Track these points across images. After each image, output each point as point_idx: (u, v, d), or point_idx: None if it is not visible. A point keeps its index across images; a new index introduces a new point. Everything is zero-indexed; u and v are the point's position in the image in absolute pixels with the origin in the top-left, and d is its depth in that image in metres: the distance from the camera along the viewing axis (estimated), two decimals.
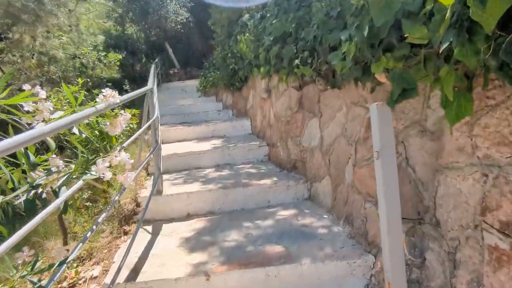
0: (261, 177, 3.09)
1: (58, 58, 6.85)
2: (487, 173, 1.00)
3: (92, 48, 6.13)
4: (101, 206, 3.18)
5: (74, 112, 1.56)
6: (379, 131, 1.24)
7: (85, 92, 6.41)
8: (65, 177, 1.30)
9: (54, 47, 6.66)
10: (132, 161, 1.49)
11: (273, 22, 3.20)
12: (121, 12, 11.25)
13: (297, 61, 2.73)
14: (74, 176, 1.34)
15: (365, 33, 1.29)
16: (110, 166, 1.41)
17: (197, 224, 2.46)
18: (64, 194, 1.23)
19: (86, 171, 1.34)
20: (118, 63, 6.92)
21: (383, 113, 1.24)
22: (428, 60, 1.03)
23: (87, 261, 2.25)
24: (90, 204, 3.17)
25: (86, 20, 6.17)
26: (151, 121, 2.38)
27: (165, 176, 3.44)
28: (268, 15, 3.75)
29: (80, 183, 1.30)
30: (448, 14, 0.77)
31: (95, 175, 1.28)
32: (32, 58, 6.67)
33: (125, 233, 2.39)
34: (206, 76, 8.01)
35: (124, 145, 1.76)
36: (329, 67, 2.37)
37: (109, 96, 1.65)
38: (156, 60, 8.99)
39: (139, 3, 10.95)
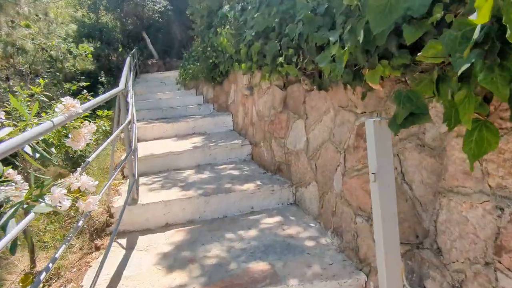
0: (244, 180, 2.94)
1: (27, 48, 6.38)
2: (503, 207, 0.88)
3: (61, 40, 5.71)
4: (72, 213, 2.95)
5: (26, 127, 1.35)
6: (376, 151, 1.11)
7: (54, 87, 6.01)
8: (13, 208, 1.10)
9: (21, 37, 6.19)
10: (97, 182, 1.30)
11: (255, 15, 3.00)
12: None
13: (281, 59, 2.56)
14: (25, 206, 1.14)
15: (360, 38, 1.14)
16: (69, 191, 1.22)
17: (176, 236, 2.29)
18: (11, 232, 1.03)
19: (40, 199, 1.15)
20: (90, 55, 6.50)
21: (381, 131, 1.11)
22: (443, 81, 0.89)
23: (54, 281, 2.05)
24: None
25: (55, 8, 5.72)
26: (122, 126, 2.16)
27: (142, 179, 3.23)
28: (250, 7, 3.54)
29: (30, 216, 1.10)
30: (475, 35, 0.62)
31: (49, 206, 1.09)
32: None
33: (97, 248, 2.19)
34: (186, 68, 7.70)
35: (89, 160, 1.56)
36: (315, 67, 2.22)
37: (70, 106, 1.44)
38: (133, 51, 8.56)
39: None
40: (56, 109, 1.42)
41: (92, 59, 8.71)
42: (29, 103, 2.70)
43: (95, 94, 8.06)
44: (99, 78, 8.22)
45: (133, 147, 2.46)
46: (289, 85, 2.75)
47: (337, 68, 1.72)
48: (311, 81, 2.40)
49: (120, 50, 11.22)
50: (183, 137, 4.52)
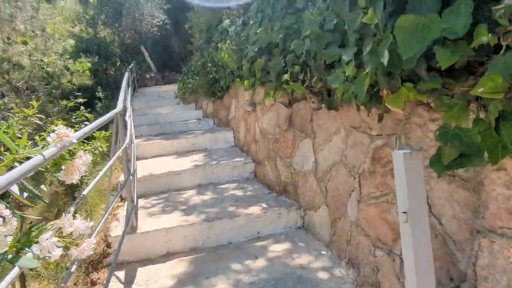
0: (249, 202, 2.79)
1: (23, 64, 6.28)
2: None
3: (57, 57, 5.62)
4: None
5: (14, 161, 1.23)
6: (407, 187, 0.98)
7: (50, 104, 5.90)
8: None
9: (18, 53, 6.10)
10: (92, 224, 1.16)
11: (258, 31, 2.91)
12: (92, 14, 10.62)
13: (286, 76, 2.46)
14: (9, 256, 1.00)
15: (384, 61, 1.03)
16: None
17: (178, 267, 2.14)
18: None
19: (27, 248, 1.01)
20: (87, 71, 6.41)
21: (412, 164, 0.98)
22: (505, 119, 0.77)
23: None
24: None
25: (52, 25, 5.65)
26: (120, 150, 2.03)
27: (141, 202, 3.09)
28: (251, 22, 3.46)
29: (15, 271, 0.96)
30: None
31: (36, 259, 0.95)
32: None
33: (93, 284, 2.03)
34: (185, 82, 7.61)
35: (84, 193, 1.42)
36: (324, 85, 2.11)
37: (63, 136, 1.31)
38: (131, 65, 8.48)
39: (112, 5, 10.36)
40: (48, 139, 1.29)
41: (89, 74, 8.63)
42: (21, 127, 2.57)
43: (93, 110, 7.94)
44: (97, 93, 8.12)
45: (131, 171, 2.32)
46: (295, 103, 2.64)
47: (351, 88, 1.61)
48: (318, 99, 2.29)
49: (118, 64, 11.16)
50: (183, 154, 4.39)
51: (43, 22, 5.12)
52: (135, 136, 5.35)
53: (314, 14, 2.29)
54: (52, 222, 1.13)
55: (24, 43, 6.17)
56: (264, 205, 2.69)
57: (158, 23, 11.22)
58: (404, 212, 1.00)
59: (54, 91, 5.64)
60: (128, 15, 10.52)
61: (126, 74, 5.33)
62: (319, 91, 2.24)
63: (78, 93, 6.04)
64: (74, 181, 1.31)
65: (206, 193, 3.19)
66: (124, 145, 2.15)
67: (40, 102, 5.25)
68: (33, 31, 5.26)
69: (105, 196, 3.42)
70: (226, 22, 4.32)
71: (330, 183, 2.15)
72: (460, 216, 1.13)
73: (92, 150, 3.13)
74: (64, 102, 5.38)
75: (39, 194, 1.25)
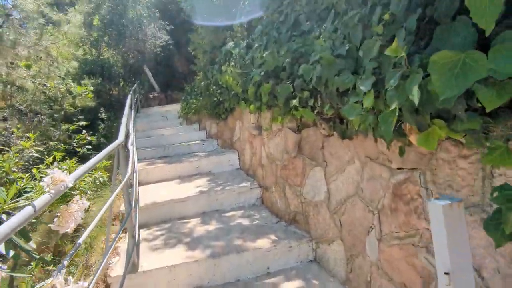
0: (257, 233, 2.64)
1: (27, 87, 6.27)
2: None
3: (60, 80, 5.60)
4: None
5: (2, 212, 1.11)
6: (448, 244, 0.85)
7: (52, 128, 5.84)
8: None
9: (21, 77, 6.10)
10: (86, 284, 1.03)
11: (264, 54, 2.84)
12: (96, 37, 10.75)
13: (294, 102, 2.36)
14: None
15: (415, 99, 0.92)
16: None
17: None
18: None
19: None
20: (89, 95, 6.38)
21: (453, 218, 0.85)
22: None
23: None
24: None
25: (55, 49, 5.66)
26: (121, 185, 1.91)
27: (143, 233, 2.94)
28: (256, 45, 3.41)
29: None
30: None
31: None
32: None
33: None
34: (188, 102, 7.57)
35: (80, 241, 1.29)
36: (336, 112, 2.00)
37: (58, 180, 1.20)
38: (134, 86, 8.47)
39: (116, 27, 10.49)
40: (42, 183, 1.18)
41: (92, 96, 8.64)
42: (17, 160, 2.47)
43: (95, 132, 7.89)
44: (100, 114, 8.08)
45: (133, 204, 2.19)
46: (304, 128, 2.53)
47: (368, 119, 1.49)
48: (330, 125, 2.18)
49: (121, 84, 11.22)
50: (187, 178, 4.26)
51: (46, 48, 5.12)
52: (138, 159, 5.25)
53: (322, 37, 2.21)
54: (41, 284, 1.01)
55: (28, 67, 6.18)
56: (273, 236, 2.54)
57: (161, 43, 11.33)
58: (446, 273, 0.86)
59: (55, 115, 5.59)
60: (131, 36, 10.63)
61: (129, 97, 5.29)
62: (331, 118, 2.13)
63: (81, 116, 5.99)
64: (69, 230, 1.18)
65: (211, 223, 3.04)
66: (125, 179, 2.03)
67: (41, 127, 5.19)
68: (36, 56, 5.26)
69: (106, 226, 3.28)
70: (230, 44, 4.28)
71: (345, 216, 2.00)
72: (507, 271, 0.99)
73: (93, 180, 3.02)
74: (66, 125, 5.31)
75: (29, 249, 1.12)
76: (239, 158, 4.58)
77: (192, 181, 4.10)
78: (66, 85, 5.64)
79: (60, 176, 1.17)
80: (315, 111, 2.17)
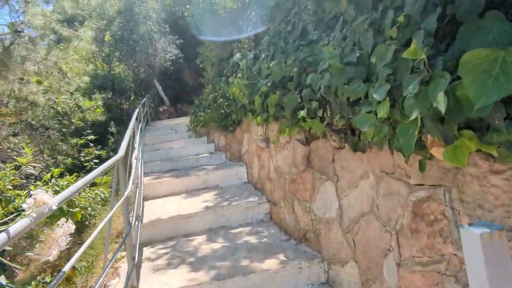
0: (265, 252, 2.49)
1: (39, 102, 6.34)
2: None
3: (68, 95, 5.64)
4: None
5: None
6: (490, 281, 0.70)
7: (61, 142, 5.85)
8: None
9: (33, 92, 6.18)
10: None
11: (270, 65, 2.74)
12: (108, 52, 10.95)
13: (302, 113, 2.23)
14: None
15: (441, 108, 0.79)
16: None
17: None
18: None
19: None
20: (97, 109, 6.41)
21: (495, 248, 0.70)
22: None
23: None
24: None
25: (65, 64, 5.73)
26: (120, 202, 1.80)
27: (146, 251, 2.82)
28: (263, 55, 3.33)
29: None
30: None
31: None
32: (7, 106, 6.15)
33: None
34: (197, 115, 7.54)
35: (65, 269, 1.17)
36: (347, 123, 1.87)
37: (41, 203, 1.10)
38: (144, 100, 8.52)
39: (127, 42, 10.67)
40: (24, 206, 1.08)
41: (103, 110, 8.71)
42: (12, 177, 2.41)
43: (105, 145, 7.92)
44: (109, 128, 8.12)
45: (132, 223, 2.08)
46: (313, 140, 2.40)
47: (383, 131, 1.36)
48: (340, 137, 2.04)
49: (132, 98, 11.33)
50: (194, 193, 4.15)
51: (55, 63, 5.17)
52: (145, 173, 5.19)
53: (331, 45, 2.10)
54: None
55: (39, 82, 6.27)
56: (282, 256, 2.38)
57: (171, 58, 11.44)
58: None
59: (64, 129, 5.60)
60: (142, 51, 10.78)
61: (137, 110, 5.26)
62: (341, 129, 1.99)
63: (91, 130, 6.00)
64: (51, 258, 1.07)
65: (217, 240, 2.90)
66: (125, 196, 1.93)
67: (50, 142, 5.20)
68: (47, 71, 5.31)
69: (110, 242, 3.18)
70: (237, 55, 4.22)
71: (359, 236, 1.84)
72: None
73: (93, 197, 2.94)
74: (74, 140, 5.31)
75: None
76: (247, 172, 4.46)
77: (199, 195, 3.99)
78: (74, 99, 5.66)
79: (43, 198, 1.07)
80: (325, 122, 2.05)
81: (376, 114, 1.34)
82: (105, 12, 10.86)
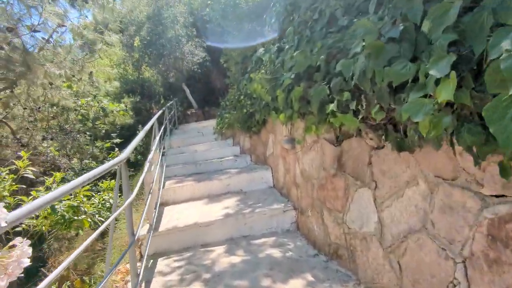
0: (289, 271, 2.15)
1: (69, 106, 6.44)
2: None
3: (91, 98, 5.65)
4: None
5: None
6: None
7: (87, 146, 5.87)
8: None
9: (64, 98, 6.28)
10: None
11: (294, 54, 2.41)
12: (137, 57, 11.12)
13: (332, 106, 1.88)
14: None
15: None
16: None
17: None
18: None
19: None
20: (121, 112, 6.39)
21: None
22: None
23: None
24: None
25: (92, 68, 5.75)
26: (118, 211, 1.55)
27: (160, 263, 2.58)
28: (287, 47, 3.00)
29: None
30: None
31: None
32: (39, 110, 6.29)
33: None
34: (223, 117, 7.34)
35: None
36: (388, 116, 1.50)
37: None
38: (170, 103, 8.49)
39: (155, 46, 10.77)
40: None
41: (132, 113, 8.79)
42: (9, 183, 2.26)
43: (133, 148, 7.93)
44: (137, 131, 8.14)
45: (136, 236, 1.83)
46: (345, 139, 2.03)
47: (443, 122, 0.98)
48: (378, 134, 1.67)
49: (162, 102, 11.42)
50: (216, 198, 3.90)
51: (82, 67, 5.18)
52: (168, 177, 5.03)
53: (370, 20, 1.73)
54: None
55: (69, 87, 6.36)
56: (309, 276, 2.02)
57: (198, 61, 11.41)
58: None
59: (87, 133, 5.61)
60: (170, 55, 10.82)
61: (159, 113, 5.12)
62: (380, 125, 1.62)
63: (120, 133, 5.99)
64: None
65: (237, 253, 2.60)
66: (126, 204, 1.68)
67: (77, 146, 5.20)
68: (73, 75, 5.33)
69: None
70: (260, 50, 3.92)
71: (407, 258, 1.45)
72: None
73: (102, 203, 2.75)
74: (100, 143, 5.27)
75: None
76: (272, 176, 4.14)
77: (221, 200, 3.72)
78: (98, 102, 5.66)
79: None
80: (359, 117, 1.68)
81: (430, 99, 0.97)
82: (135, 18, 11.05)
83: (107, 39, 5.47)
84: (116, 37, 5.92)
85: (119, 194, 1.81)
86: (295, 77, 2.39)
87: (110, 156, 5.09)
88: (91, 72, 6.51)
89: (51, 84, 5.51)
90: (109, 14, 5.91)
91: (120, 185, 1.83)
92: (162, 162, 5.36)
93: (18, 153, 6.07)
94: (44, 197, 1.04)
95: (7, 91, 5.29)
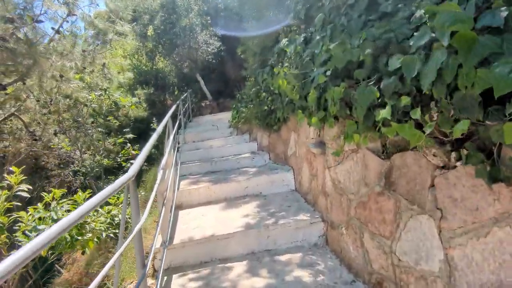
0: None
1: (81, 101, 6.25)
2: None
3: (101, 93, 5.41)
4: None
5: None
6: None
7: (98, 142, 5.66)
8: None
9: (78, 90, 6.08)
10: None
11: (330, 47, 2.04)
12: (151, 47, 10.84)
13: (384, 113, 1.52)
14: None
15: None
16: None
17: None
18: None
19: None
20: (132, 106, 6.14)
21: None
22: None
23: None
24: None
25: (104, 59, 5.49)
26: (128, 239, 1.26)
27: (175, 281, 2.32)
28: (317, 37, 2.62)
29: None
30: None
31: None
32: (51, 103, 6.11)
33: None
34: (238, 110, 7.01)
35: None
36: (474, 131, 1.14)
37: None
38: (185, 95, 8.18)
39: (169, 36, 10.45)
40: None
41: (145, 106, 8.56)
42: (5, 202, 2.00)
43: (145, 143, 7.74)
44: (152, 124, 7.92)
45: (147, 266, 1.54)
46: (396, 152, 1.67)
47: None
48: (446, 150, 1.31)
49: (176, 93, 11.17)
50: (234, 202, 3.61)
51: (93, 58, 4.92)
52: (182, 175, 4.77)
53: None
54: None
55: (81, 79, 6.14)
56: None
57: (213, 51, 11.05)
58: None
59: (99, 128, 5.39)
60: (184, 44, 10.49)
61: (173, 108, 4.82)
62: (451, 139, 1.26)
63: (134, 126, 5.77)
64: None
65: (260, 273, 2.30)
66: (135, 232, 1.39)
67: (89, 140, 4.99)
68: (84, 67, 5.09)
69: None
70: (283, 41, 3.54)
71: None
72: None
73: (109, 220, 2.48)
74: (112, 139, 5.05)
75: None
76: (294, 178, 3.81)
77: (240, 206, 3.43)
78: (109, 96, 5.42)
79: None
80: (426, 130, 1.32)
81: None
82: (148, 7, 10.73)
83: (119, 29, 5.18)
84: (128, 26, 5.63)
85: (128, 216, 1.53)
86: (331, 74, 2.03)
87: (122, 152, 4.86)
88: (104, 64, 6.28)
89: (61, 76, 5.29)
90: (121, 2, 5.61)
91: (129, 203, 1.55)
92: (177, 159, 5.11)
93: (31, 148, 5.95)
94: (34, 242, 0.75)
95: (17, 83, 5.10)
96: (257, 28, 5.01)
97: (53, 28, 4.83)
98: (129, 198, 1.50)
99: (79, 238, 2.01)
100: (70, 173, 6.13)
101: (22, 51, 3.35)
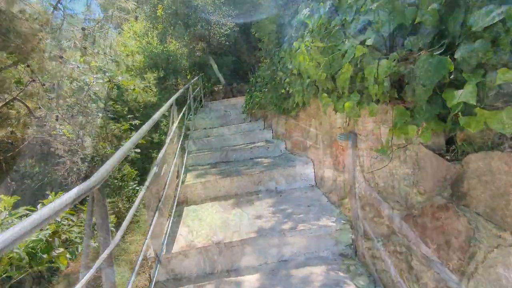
0: None
1: (81, 85, 5.90)
2: None
3: (101, 75, 5.01)
4: None
5: None
6: None
7: (100, 129, 5.32)
8: None
9: (83, 73, 5.72)
10: None
11: (373, 6, 1.51)
12: (162, 29, 10.36)
13: (461, 95, 1.02)
14: None
15: None
16: None
17: None
18: None
19: None
20: (136, 90, 5.73)
21: None
22: None
23: None
24: None
25: (106, 39, 5.08)
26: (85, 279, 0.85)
27: None
28: (349, 1, 2.08)
29: None
30: None
31: None
32: (54, 87, 5.77)
33: None
34: (252, 95, 6.51)
35: None
36: None
37: None
38: (195, 79, 7.69)
39: (180, 17, 9.93)
40: None
41: (156, 90, 8.16)
42: None
43: (157, 128, 7.37)
44: None
45: None
46: (472, 153, 1.17)
47: None
48: None
49: (188, 77, 10.74)
50: (245, 197, 3.20)
51: (94, 38, 4.51)
52: (190, 166, 4.38)
53: None
54: None
55: (85, 62, 5.76)
56: None
57: (226, 32, 10.46)
58: None
59: (99, 114, 5.03)
60: (196, 25, 9.96)
61: (179, 91, 4.38)
62: None
63: (131, 115, 5.43)
64: None
65: None
66: (103, 257, 0.97)
67: (91, 126, 4.66)
68: (84, 47, 4.69)
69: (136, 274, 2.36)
70: (304, 11, 3.00)
71: None
72: None
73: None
74: (118, 125, 4.69)
75: None
76: (314, 172, 3.34)
77: (252, 203, 3.01)
78: (109, 79, 5.02)
79: None
80: None
81: None
82: None
83: (122, 4, 4.72)
84: (133, 3, 5.15)
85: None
86: (376, 41, 1.51)
87: (126, 140, 4.50)
88: (111, 45, 5.86)
89: (61, 57, 4.91)
90: None
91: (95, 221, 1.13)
92: (185, 148, 4.71)
93: (35, 135, 5.67)
94: None
95: (18, 65, 4.77)
96: (273, 7, 4.45)
97: (51, 4, 4.42)
98: (94, 212, 1.08)
99: (44, 256, 1.62)
100: (79, 160, 5.87)
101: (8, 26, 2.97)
